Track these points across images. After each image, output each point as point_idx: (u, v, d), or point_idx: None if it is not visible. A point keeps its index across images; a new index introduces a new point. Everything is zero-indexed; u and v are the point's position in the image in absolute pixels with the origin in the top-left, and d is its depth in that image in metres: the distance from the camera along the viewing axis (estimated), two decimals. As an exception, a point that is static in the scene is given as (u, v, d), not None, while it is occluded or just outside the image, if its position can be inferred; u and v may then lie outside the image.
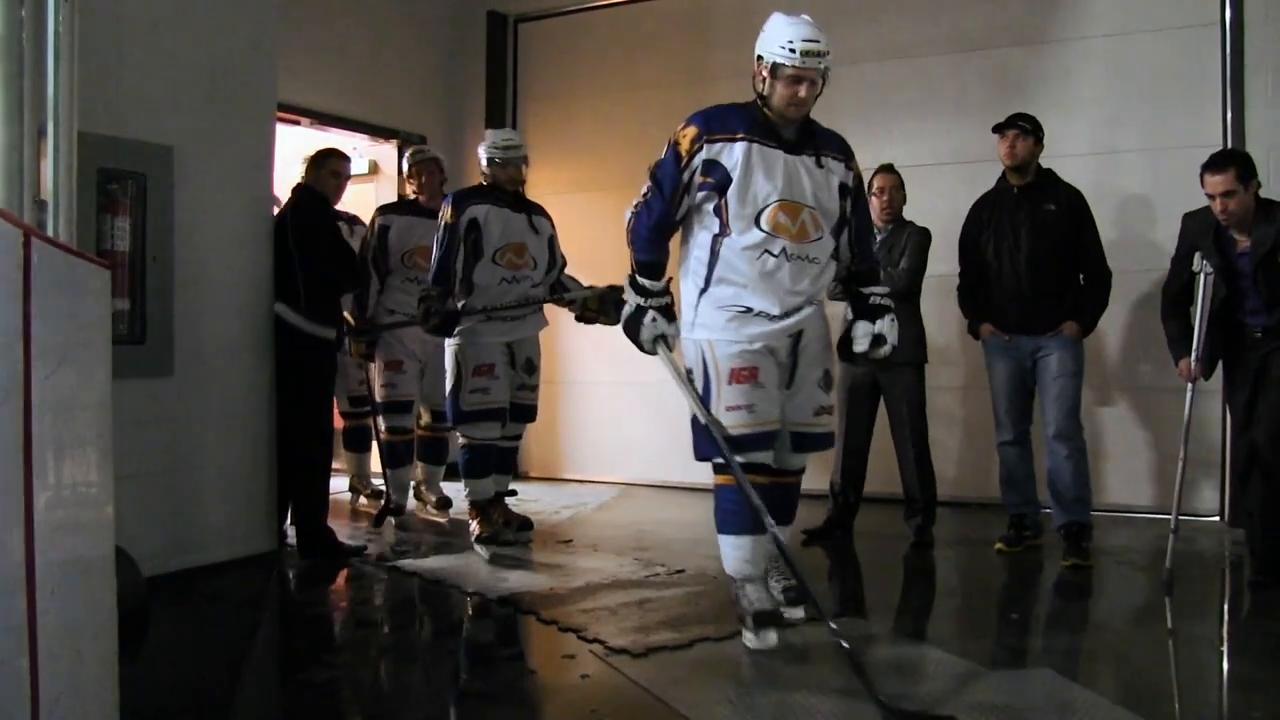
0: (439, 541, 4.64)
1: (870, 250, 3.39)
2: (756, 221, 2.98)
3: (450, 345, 4.33)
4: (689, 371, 3.13)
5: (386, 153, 6.40)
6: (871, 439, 4.64)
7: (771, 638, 2.98)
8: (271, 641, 3.50)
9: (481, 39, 6.63)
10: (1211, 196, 3.73)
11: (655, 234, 3.09)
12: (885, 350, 3.26)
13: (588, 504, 5.45)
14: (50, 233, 1.72)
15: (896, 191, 4.54)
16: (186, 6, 3.97)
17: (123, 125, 3.65)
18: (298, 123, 5.65)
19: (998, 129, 4.28)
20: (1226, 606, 3.80)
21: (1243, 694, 2.71)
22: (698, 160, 2.99)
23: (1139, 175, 5.15)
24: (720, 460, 3.02)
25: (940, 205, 4.92)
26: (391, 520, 4.99)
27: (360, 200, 5.91)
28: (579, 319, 4.50)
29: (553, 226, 4.57)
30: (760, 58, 2.99)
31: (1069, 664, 2.98)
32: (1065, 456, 4.13)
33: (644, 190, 3.08)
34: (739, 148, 2.97)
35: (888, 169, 4.59)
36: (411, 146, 5.65)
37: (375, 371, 5.11)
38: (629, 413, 5.99)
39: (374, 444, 5.46)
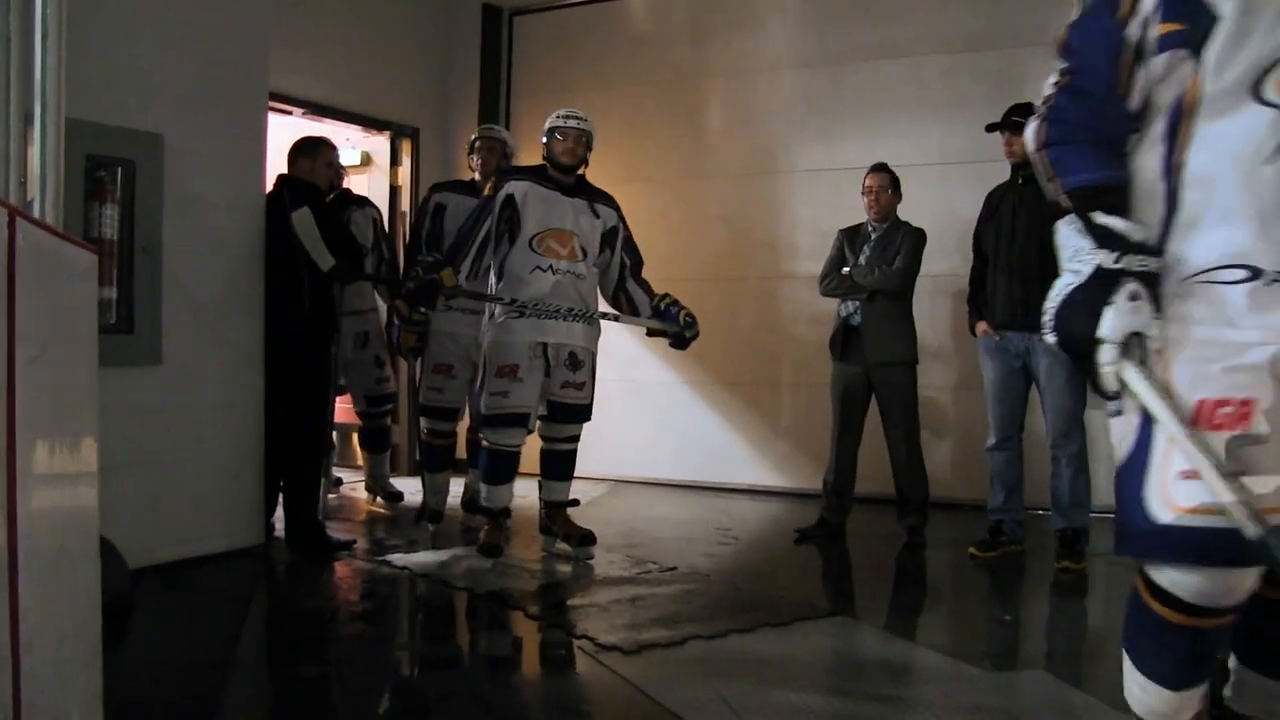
0: (428, 536, 4.59)
1: None
2: (1256, 92, 1.63)
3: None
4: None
5: (379, 144, 6.35)
6: (862, 438, 4.62)
7: None
8: (259, 635, 3.45)
9: (476, 31, 6.58)
10: None
11: (1095, 135, 1.76)
12: None
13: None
14: (37, 216, 1.69)
15: (884, 191, 4.50)
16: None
17: (111, 112, 3.60)
18: (290, 113, 5.60)
19: (992, 128, 4.25)
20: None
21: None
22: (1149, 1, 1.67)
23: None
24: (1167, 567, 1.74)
25: (936, 205, 4.89)
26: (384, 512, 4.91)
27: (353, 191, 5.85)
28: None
29: (621, 218, 4.25)
30: None
31: (1063, 666, 2.97)
32: (1064, 464, 4.10)
33: (1053, 79, 1.82)
34: None
35: (880, 168, 4.56)
36: (480, 127, 5.25)
37: (418, 370, 4.84)
38: (619, 408, 5.94)
39: (391, 444, 5.49)
